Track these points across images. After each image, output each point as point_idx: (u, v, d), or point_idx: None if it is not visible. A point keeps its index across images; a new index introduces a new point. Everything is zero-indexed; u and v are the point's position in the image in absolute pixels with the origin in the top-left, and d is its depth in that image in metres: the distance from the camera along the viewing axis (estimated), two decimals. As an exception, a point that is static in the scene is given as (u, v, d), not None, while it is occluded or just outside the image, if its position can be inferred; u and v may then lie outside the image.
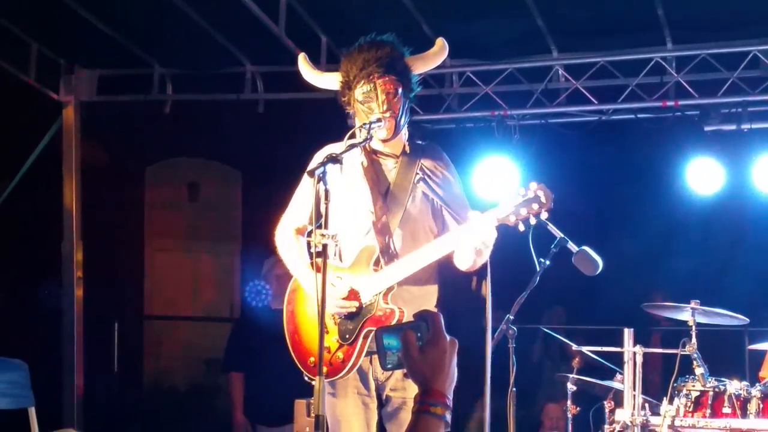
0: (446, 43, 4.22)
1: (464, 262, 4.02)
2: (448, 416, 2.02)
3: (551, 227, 4.75)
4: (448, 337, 2.09)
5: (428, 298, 4.18)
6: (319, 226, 3.45)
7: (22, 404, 5.71)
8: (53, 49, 6.89)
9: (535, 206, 3.80)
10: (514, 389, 5.11)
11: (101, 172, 7.51)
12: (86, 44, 6.74)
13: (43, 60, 6.86)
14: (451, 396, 2.05)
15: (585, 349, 5.88)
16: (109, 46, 6.72)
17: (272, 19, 6.14)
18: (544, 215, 3.88)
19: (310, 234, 3.57)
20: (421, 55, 4.16)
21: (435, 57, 4.21)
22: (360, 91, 4.00)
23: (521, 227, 3.98)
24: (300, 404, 5.70)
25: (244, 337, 7.06)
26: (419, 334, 2.05)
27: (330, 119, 4.42)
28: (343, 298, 3.87)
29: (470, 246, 3.90)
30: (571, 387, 5.87)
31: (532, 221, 3.84)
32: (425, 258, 3.95)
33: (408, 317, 3.85)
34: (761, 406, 5.10)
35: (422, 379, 2.05)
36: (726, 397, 5.16)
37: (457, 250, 4.00)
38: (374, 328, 3.56)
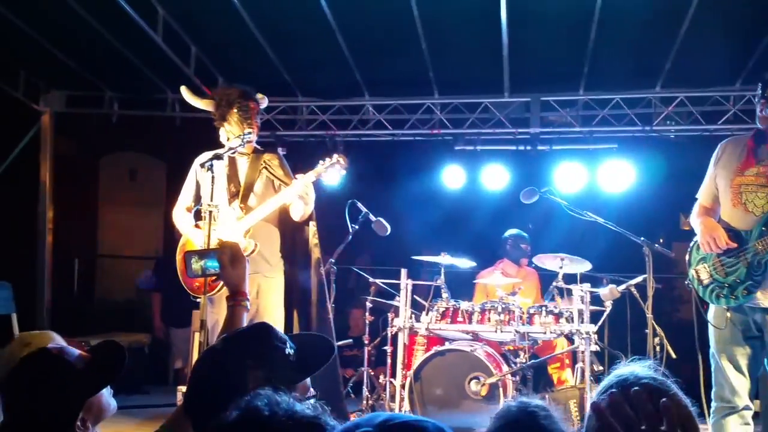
0: (266, 97, 4.50)
1: (296, 212, 4.23)
2: (249, 306, 2.24)
3: (360, 205, 5.41)
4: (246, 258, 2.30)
5: (273, 236, 4.32)
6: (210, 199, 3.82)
7: (6, 311, 5.92)
8: (35, 75, 6.92)
9: (337, 167, 4.21)
10: (333, 305, 5.30)
11: (68, 161, 7.59)
12: (59, 73, 6.72)
13: (28, 82, 6.90)
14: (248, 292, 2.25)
15: (378, 281, 6.16)
16: (75, 75, 6.74)
17: (185, 64, 6.20)
18: (342, 171, 4.30)
19: (198, 211, 4.08)
20: (259, 98, 4.41)
21: (263, 102, 4.46)
22: (237, 106, 4.22)
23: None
24: (195, 313, 5.85)
25: (163, 270, 7.28)
26: (224, 257, 2.25)
27: (214, 132, 4.43)
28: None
29: (297, 197, 4.14)
30: (368, 304, 6.14)
31: (336, 177, 4.28)
32: (268, 208, 4.16)
33: (259, 249, 4.07)
34: (480, 317, 5.39)
35: (233, 285, 2.24)
36: (460, 312, 5.49)
37: (291, 204, 4.21)
38: None
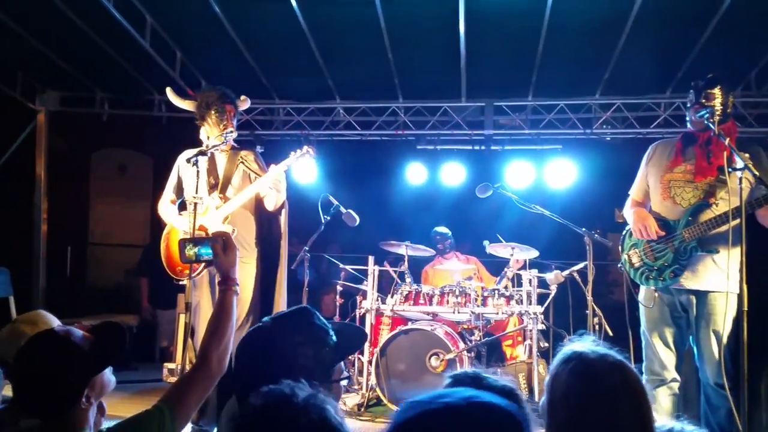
0: (247, 98, 4.50)
1: (269, 202, 4.23)
2: (239, 291, 2.21)
3: (332, 198, 5.37)
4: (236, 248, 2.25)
5: (249, 224, 4.31)
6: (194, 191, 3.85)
7: (4, 294, 5.82)
8: (32, 76, 6.82)
9: (307, 156, 4.24)
10: (307, 288, 5.51)
11: (61, 156, 7.44)
12: (53, 74, 6.61)
13: (25, 83, 6.81)
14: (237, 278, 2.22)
15: (348, 267, 6.19)
16: (69, 77, 6.65)
17: (171, 68, 6.16)
18: (311, 161, 4.34)
19: (183, 202, 4.03)
20: (240, 101, 4.42)
21: (243, 105, 4.46)
22: (215, 108, 4.20)
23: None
24: (180, 296, 6.01)
25: (148, 257, 7.22)
26: (217, 244, 2.24)
27: (196, 131, 4.39)
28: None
29: (271, 186, 4.13)
30: (339, 288, 6.20)
31: (306, 166, 4.12)
32: (245, 196, 4.16)
33: (236, 234, 4.03)
34: (439, 299, 5.41)
35: (225, 271, 2.21)
36: (421, 295, 5.51)
37: (265, 196, 4.21)
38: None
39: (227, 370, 2.03)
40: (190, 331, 3.88)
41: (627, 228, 3.80)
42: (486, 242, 5.80)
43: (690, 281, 3.50)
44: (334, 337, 1.80)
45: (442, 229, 6.79)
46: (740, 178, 3.09)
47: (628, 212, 3.80)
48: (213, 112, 4.22)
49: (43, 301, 6.89)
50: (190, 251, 2.35)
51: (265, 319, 1.87)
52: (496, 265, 6.43)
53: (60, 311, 3.51)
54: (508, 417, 0.99)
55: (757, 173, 3.15)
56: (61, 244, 7.75)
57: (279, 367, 1.54)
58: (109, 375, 1.96)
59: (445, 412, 0.98)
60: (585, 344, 1.62)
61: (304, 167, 4.29)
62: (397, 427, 1.00)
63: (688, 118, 3.66)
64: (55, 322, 2.64)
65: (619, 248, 3.81)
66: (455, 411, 0.98)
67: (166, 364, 5.97)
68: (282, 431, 1.21)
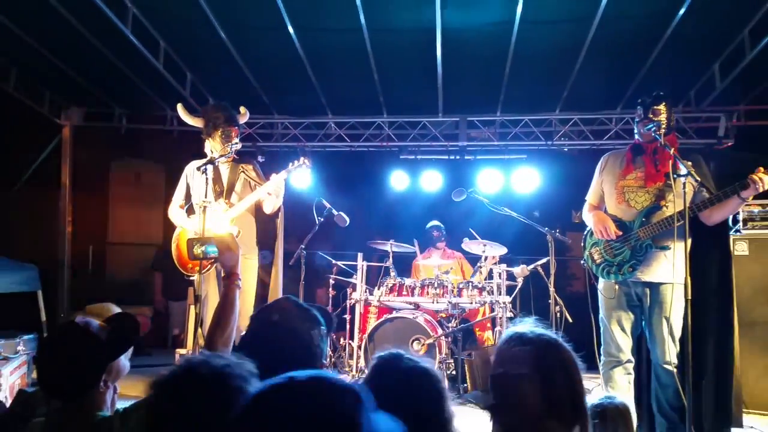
0: (247, 110, 4.43)
1: (268, 206, 4.21)
2: (241, 285, 2.18)
3: (324, 202, 5.27)
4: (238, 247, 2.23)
5: (251, 225, 4.28)
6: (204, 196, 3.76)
7: (33, 289, 5.93)
8: (58, 94, 6.73)
9: (303, 167, 4.21)
10: (303, 282, 5.45)
11: (84, 166, 7.28)
12: (77, 93, 6.56)
13: (52, 101, 6.72)
14: (240, 273, 2.20)
15: (340, 263, 6.09)
16: (91, 95, 6.61)
17: (182, 87, 6.08)
18: (307, 171, 4.24)
19: (191, 206, 4.04)
20: (241, 115, 4.36)
21: (243, 117, 4.39)
22: (221, 129, 4.17)
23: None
24: (190, 289, 5.62)
25: (162, 254, 6.97)
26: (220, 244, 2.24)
27: (203, 143, 4.34)
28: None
29: (271, 192, 4.10)
30: (331, 281, 6.06)
31: (303, 175, 4.09)
32: (248, 202, 4.14)
33: (240, 235, 4.00)
34: (420, 291, 5.41)
35: (229, 267, 2.19)
36: (404, 287, 5.51)
37: (264, 200, 4.18)
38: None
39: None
40: (199, 321, 3.80)
41: (588, 229, 3.78)
42: (466, 239, 5.79)
43: (645, 274, 3.49)
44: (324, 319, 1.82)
45: (437, 222, 6.67)
46: (684, 183, 3.11)
47: (588, 215, 3.78)
48: (219, 132, 4.18)
49: (68, 295, 6.83)
50: (198, 250, 2.32)
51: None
52: (476, 260, 6.38)
53: (83, 303, 3.45)
54: (349, 393, 0.96)
55: (698, 179, 3.18)
56: (84, 244, 7.69)
57: (302, 347, 1.61)
58: (124, 361, 1.93)
59: (289, 384, 0.97)
60: (525, 326, 1.61)
61: (301, 175, 4.24)
62: (251, 398, 0.98)
63: (636, 131, 3.65)
64: (116, 311, 2.63)
65: (582, 247, 3.79)
66: (297, 384, 0.97)
67: (177, 350, 5.80)
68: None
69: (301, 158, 4.25)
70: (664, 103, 3.48)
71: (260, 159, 5.84)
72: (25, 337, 4.88)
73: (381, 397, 1.57)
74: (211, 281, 4.12)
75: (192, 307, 5.54)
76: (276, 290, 4.42)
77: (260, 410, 0.95)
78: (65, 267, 6.91)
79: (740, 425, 3.79)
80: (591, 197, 3.86)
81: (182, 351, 5.78)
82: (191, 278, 4.10)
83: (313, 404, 0.93)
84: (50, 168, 7.03)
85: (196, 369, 1.33)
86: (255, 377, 1.34)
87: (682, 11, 4.65)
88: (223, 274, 2.22)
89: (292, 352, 1.58)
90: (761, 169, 3.21)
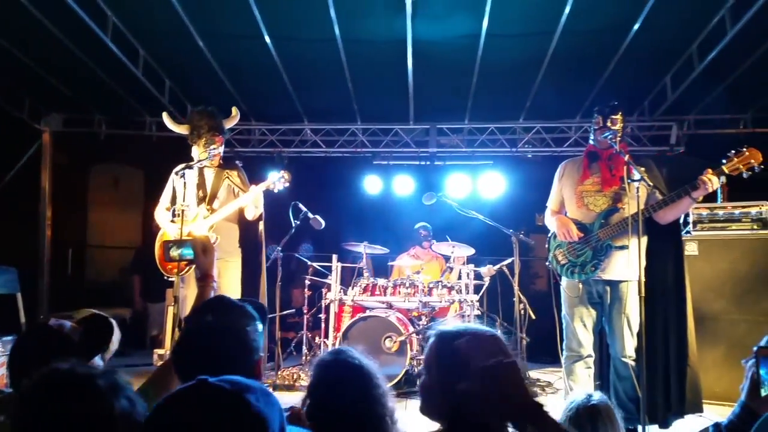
0: (239, 111, 4.38)
1: (249, 213, 4.15)
2: (216, 287, 2.17)
3: (301, 206, 5.21)
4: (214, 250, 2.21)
5: (232, 231, 4.21)
6: (183, 200, 3.87)
7: (12, 291, 5.66)
8: (38, 100, 6.57)
9: (282, 180, 4.10)
10: (280, 282, 5.35)
11: (63, 170, 7.09)
12: (57, 99, 6.39)
13: (32, 107, 6.58)
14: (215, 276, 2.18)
15: (316, 264, 6.01)
16: (70, 101, 6.46)
17: (161, 94, 6.02)
18: (286, 184, 4.10)
19: (174, 210, 3.98)
20: (229, 119, 4.31)
21: (234, 119, 4.34)
22: (205, 138, 4.11)
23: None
24: (169, 291, 5.79)
25: (141, 257, 7.04)
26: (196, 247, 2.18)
27: (186, 148, 4.26)
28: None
29: (250, 202, 4.05)
30: (307, 282, 5.98)
31: (282, 187, 4.05)
32: (228, 210, 4.06)
33: (220, 240, 3.95)
34: (393, 290, 5.35)
35: (204, 269, 2.18)
36: (377, 287, 5.45)
37: (246, 207, 4.12)
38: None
39: None
40: (177, 321, 3.81)
41: (551, 232, 3.82)
42: (433, 241, 5.81)
43: (605, 273, 3.52)
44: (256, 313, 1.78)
45: (425, 223, 6.65)
46: (637, 188, 3.18)
47: (550, 220, 3.82)
48: (203, 140, 4.11)
49: (47, 297, 6.67)
50: (174, 252, 2.34)
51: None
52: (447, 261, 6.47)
53: (62, 306, 3.38)
54: (236, 396, 1.04)
55: (651, 183, 3.24)
56: (63, 247, 7.52)
57: (242, 344, 1.58)
58: (97, 361, 1.88)
59: (188, 391, 1.06)
60: (452, 323, 1.59)
61: (279, 187, 4.22)
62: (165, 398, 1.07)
63: (592, 138, 3.71)
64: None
65: (546, 249, 3.83)
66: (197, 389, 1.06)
67: (156, 350, 5.85)
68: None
69: (282, 171, 4.17)
70: (620, 113, 3.56)
71: (239, 164, 5.82)
72: (4, 338, 4.76)
73: (319, 393, 1.58)
74: (191, 282, 4.06)
75: (170, 308, 5.48)
76: (263, 290, 4.39)
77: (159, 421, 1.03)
78: (44, 270, 6.75)
79: (701, 411, 3.80)
80: (552, 203, 3.90)
81: (160, 351, 5.71)
82: (170, 279, 4.05)
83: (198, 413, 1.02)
84: (30, 172, 6.89)
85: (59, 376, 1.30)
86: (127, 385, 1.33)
87: (636, 26, 4.75)
88: (197, 275, 2.20)
89: (227, 350, 1.54)
90: (710, 170, 3.28)
